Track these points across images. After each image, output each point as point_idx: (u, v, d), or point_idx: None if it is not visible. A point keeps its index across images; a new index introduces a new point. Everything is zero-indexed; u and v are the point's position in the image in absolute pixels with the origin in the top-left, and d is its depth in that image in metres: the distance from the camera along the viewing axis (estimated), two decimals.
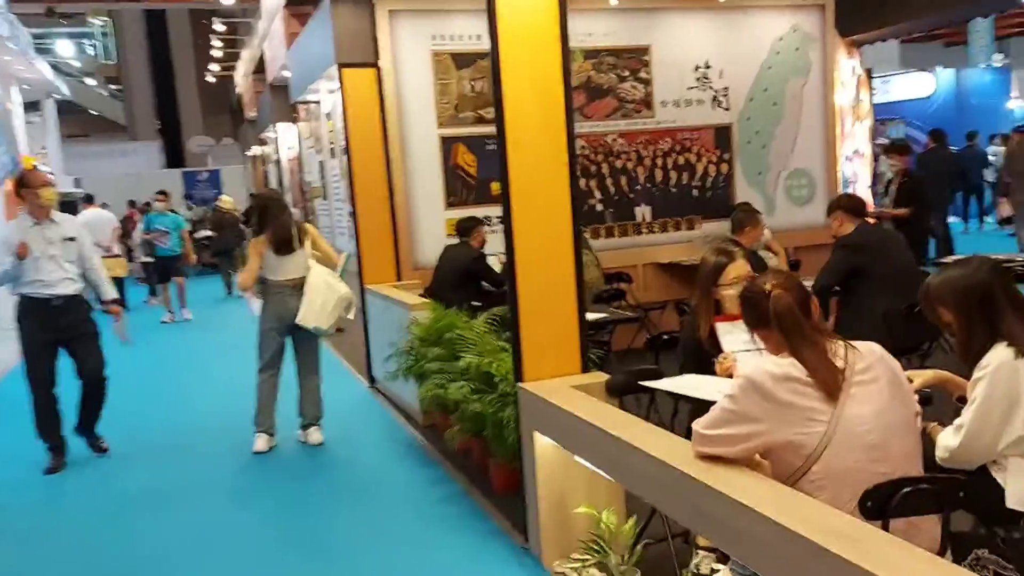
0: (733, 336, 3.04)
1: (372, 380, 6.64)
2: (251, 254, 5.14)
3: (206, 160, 26.94)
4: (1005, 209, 11.42)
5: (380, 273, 6.55)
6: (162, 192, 11.44)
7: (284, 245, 5.03)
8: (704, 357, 3.20)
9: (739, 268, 3.15)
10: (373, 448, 5.22)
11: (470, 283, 6.24)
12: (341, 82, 6.50)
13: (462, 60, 6.71)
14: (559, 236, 3.34)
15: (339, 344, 8.50)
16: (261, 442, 5.20)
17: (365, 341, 6.72)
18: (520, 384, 3.30)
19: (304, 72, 8.53)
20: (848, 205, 4.40)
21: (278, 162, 13.68)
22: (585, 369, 3.39)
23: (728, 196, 7.33)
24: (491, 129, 7.24)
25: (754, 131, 7.39)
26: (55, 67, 24.23)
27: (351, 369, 7.41)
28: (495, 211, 6.89)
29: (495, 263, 6.48)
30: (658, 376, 3.33)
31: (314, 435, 5.32)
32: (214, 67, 20.21)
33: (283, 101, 10.86)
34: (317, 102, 9.21)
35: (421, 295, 6.24)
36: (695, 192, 7.30)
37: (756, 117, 7.37)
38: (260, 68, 13.18)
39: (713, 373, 3.13)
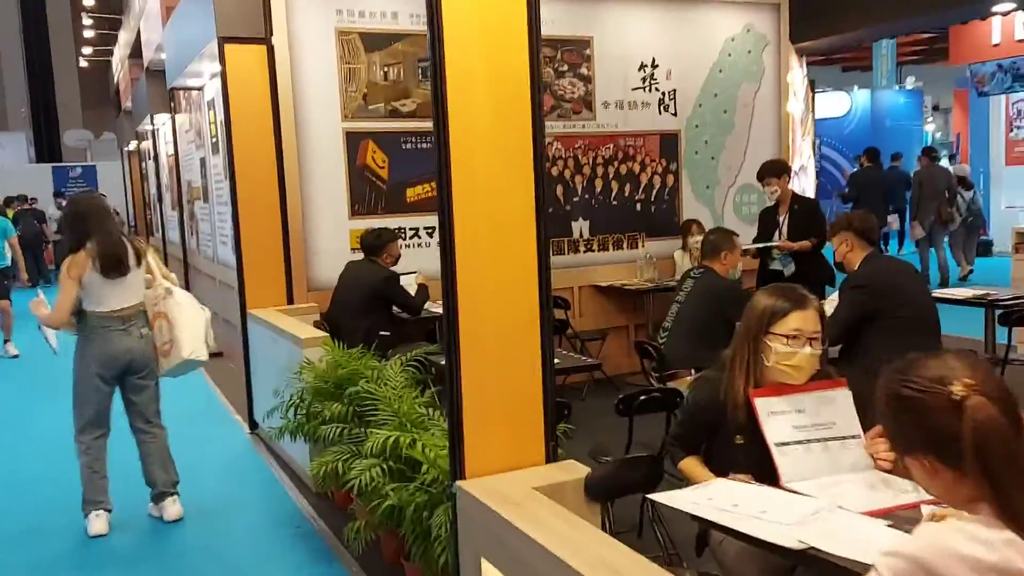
0: (781, 421, 2.09)
1: (253, 425, 5.42)
2: (64, 279, 3.81)
3: (85, 156, 24.70)
4: (917, 231, 11.21)
5: (266, 294, 5.36)
6: None
7: (114, 264, 3.80)
8: (724, 435, 2.25)
9: (806, 320, 2.19)
10: (249, 528, 4.03)
11: (378, 308, 5.16)
12: (222, 61, 5.30)
13: (373, 41, 5.62)
14: (520, 263, 2.31)
15: (216, 374, 7.21)
16: (98, 523, 3.91)
17: (246, 377, 5.50)
18: (459, 484, 2.25)
19: (182, 52, 7.22)
20: (860, 227, 3.54)
21: (156, 158, 12.15)
22: (551, 457, 2.37)
23: (674, 211, 6.49)
24: (406, 125, 6.29)
25: (703, 140, 6.58)
26: None
27: (229, 407, 6.15)
28: (410, 222, 5.84)
29: (410, 284, 5.41)
30: (658, 470, 2.34)
31: (171, 508, 4.08)
32: (87, 50, 18.25)
33: (161, 88, 9.43)
34: (198, 88, 7.89)
35: (317, 323, 5.10)
36: (638, 206, 6.42)
37: (705, 125, 6.56)
38: (138, 52, 11.63)
39: (733, 460, 2.18)
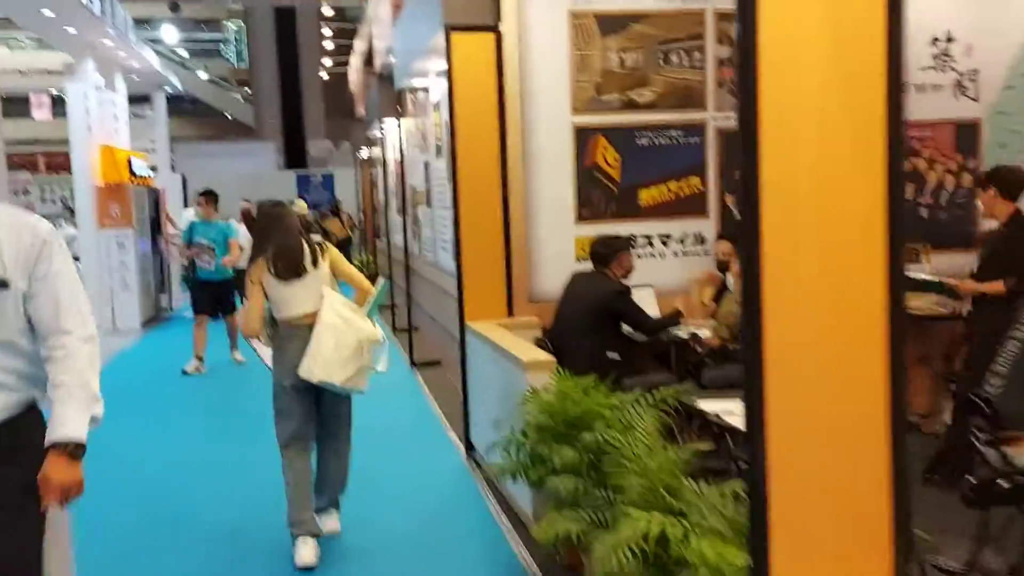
0: None
1: (470, 447, 4.99)
2: (248, 285, 3.74)
3: (326, 164, 26.42)
4: None
5: (486, 305, 4.91)
6: (207, 192, 8.25)
7: (286, 265, 3.66)
8: None
9: None
10: (457, 569, 3.55)
11: (606, 326, 4.51)
12: (448, 52, 4.92)
13: (609, 23, 5.00)
14: (860, 282, 1.55)
15: (432, 382, 6.95)
16: (306, 550, 3.58)
17: (463, 394, 5.09)
18: None
19: (409, 49, 7.04)
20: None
21: (384, 163, 12.36)
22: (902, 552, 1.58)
23: (971, 219, 5.29)
24: (642, 118, 5.61)
25: (1010, 130, 5.31)
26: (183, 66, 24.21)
27: (443, 422, 5.79)
28: (642, 228, 5.16)
29: (643, 300, 4.73)
30: None
31: (330, 522, 3.85)
32: (328, 61, 19.31)
33: (389, 93, 9.47)
34: (425, 89, 7.73)
35: (539, 340, 4.56)
36: (923, 211, 5.29)
37: (1015, 112, 5.29)
38: (370, 58, 11.94)
39: None
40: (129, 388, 7.28)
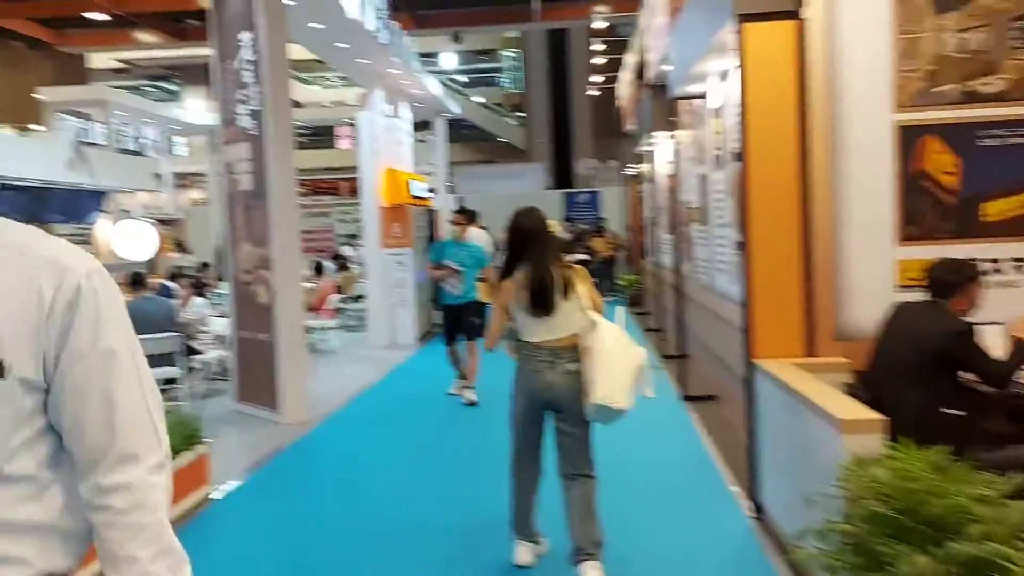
0: None
1: (758, 509, 4.24)
2: (495, 302, 3.77)
3: (593, 183, 26.52)
4: None
5: (779, 341, 4.15)
6: (461, 210, 7.77)
7: (537, 301, 3.51)
8: None
9: None
10: None
11: (942, 374, 3.55)
12: (740, 46, 4.25)
13: None
14: None
15: (709, 421, 6.23)
16: (523, 552, 3.73)
17: (748, 444, 4.35)
18: None
19: (686, 54, 6.44)
20: None
21: (653, 179, 11.81)
22: None
23: None
24: (989, 112, 4.33)
25: None
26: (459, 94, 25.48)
27: (723, 472, 5.07)
28: (987, 250, 4.11)
29: (991, 341, 3.70)
30: None
31: (588, 573, 3.42)
32: (596, 79, 19.21)
33: (661, 103, 8.93)
34: (702, 95, 7.07)
35: (849, 388, 3.73)
36: None
37: None
38: (641, 71, 11.50)
39: None
40: (399, 400, 7.45)
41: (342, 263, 13.60)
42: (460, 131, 35.89)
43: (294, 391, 6.70)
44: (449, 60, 27.44)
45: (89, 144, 11.02)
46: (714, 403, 6.69)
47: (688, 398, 7.01)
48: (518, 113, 34.75)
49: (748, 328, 4.25)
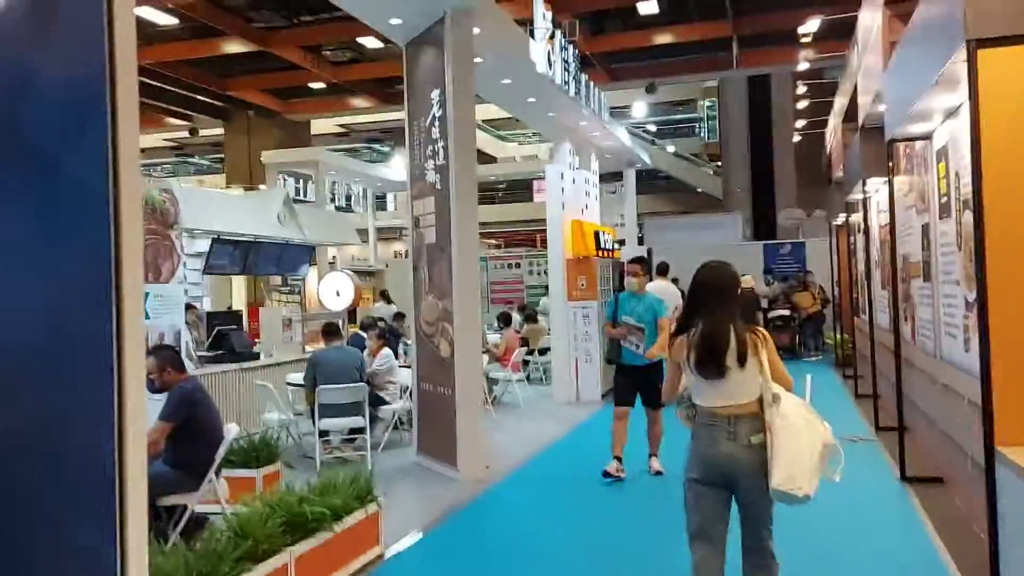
0: None
1: None
2: (668, 361, 3.46)
3: (797, 233, 25.10)
4: None
5: None
6: (636, 259, 6.83)
7: (706, 361, 3.23)
8: None
9: None
10: None
11: None
12: (972, 76, 3.63)
13: None
14: None
15: (935, 509, 5.36)
16: None
17: (989, 545, 3.59)
18: None
19: (905, 88, 5.74)
20: None
21: (866, 231, 10.78)
22: None
23: None
24: None
25: None
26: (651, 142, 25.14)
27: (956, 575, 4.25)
28: None
29: None
30: None
31: None
32: (800, 124, 18.18)
33: (874, 147, 8.10)
34: (923, 137, 6.27)
35: None
36: None
37: None
38: (852, 114, 10.62)
39: None
40: (580, 460, 7.12)
41: (530, 315, 13.58)
42: (655, 182, 35.54)
43: (472, 447, 6.57)
44: (640, 109, 27.21)
45: (300, 201, 11.93)
46: (940, 487, 5.76)
47: (908, 479, 6.11)
48: (716, 164, 33.90)
49: (987, 407, 3.53)
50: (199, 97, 20.78)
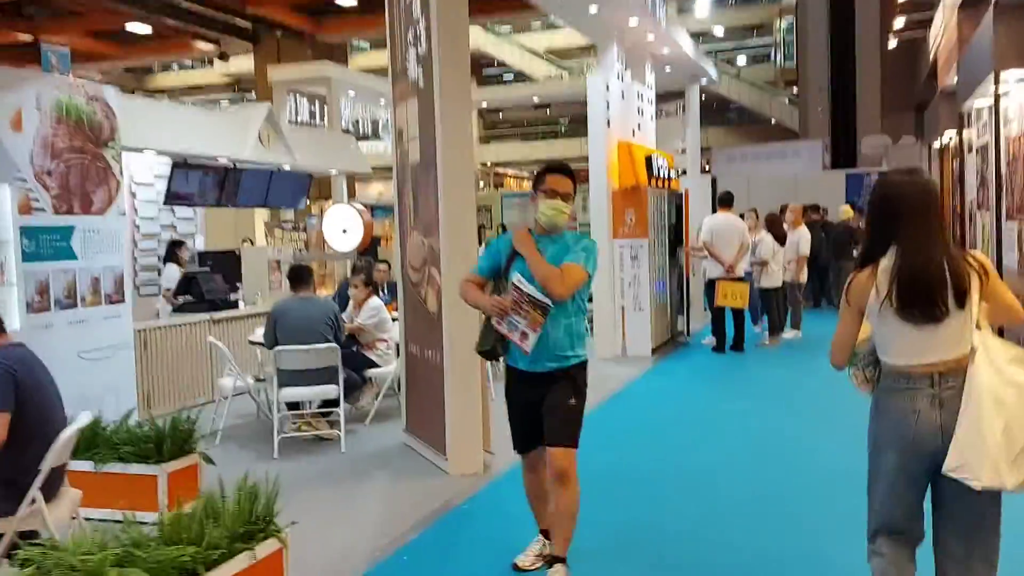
0: None
1: None
2: (842, 304, 2.58)
3: (880, 162, 22.62)
4: None
5: None
6: (558, 168, 3.27)
7: (917, 301, 2.38)
8: None
9: None
10: None
11: None
12: None
13: None
14: None
15: None
16: None
17: None
18: None
19: None
20: None
21: (984, 149, 8.67)
22: None
23: None
24: None
25: None
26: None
27: None
28: None
29: None
30: None
31: None
32: (899, 21, 15.61)
33: (1017, 27, 6.04)
34: None
35: None
36: None
37: None
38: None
39: None
40: (618, 441, 5.49)
41: None
42: (725, 114, 32.88)
43: (465, 432, 4.97)
44: (703, 7, 24.42)
45: (299, 124, 10.41)
46: None
47: None
48: (792, 89, 31.09)
49: None
50: (225, 18, 19.27)
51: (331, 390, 5.65)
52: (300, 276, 5.95)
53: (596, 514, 4.30)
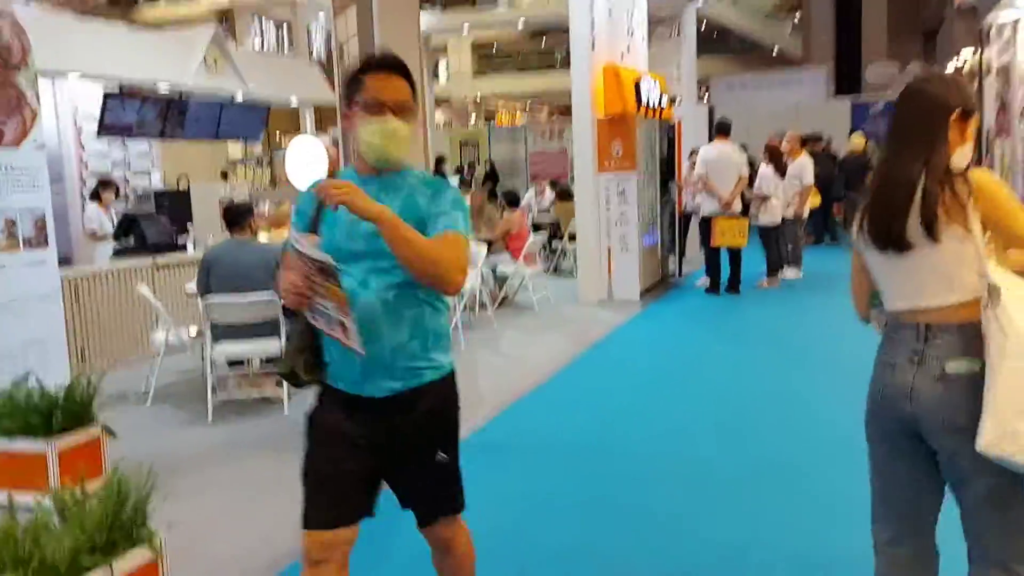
0: None
1: None
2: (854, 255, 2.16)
3: (886, 89, 21.65)
4: None
5: None
6: (390, 64, 2.06)
7: (877, 226, 2.01)
8: None
9: None
10: None
11: None
12: None
13: None
14: None
15: None
16: None
17: None
18: None
19: None
20: None
21: (1006, 69, 7.92)
22: None
23: None
24: None
25: None
26: None
27: None
28: None
29: None
30: None
31: None
32: None
33: None
34: None
35: None
36: None
37: None
38: None
39: None
40: (600, 398, 4.88)
41: (563, 191, 11.09)
42: (724, 43, 31.52)
43: None
44: None
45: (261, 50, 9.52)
46: None
47: None
48: (795, 16, 29.76)
49: None
50: None
51: (271, 345, 5.02)
52: (236, 216, 5.26)
53: (562, 495, 3.70)
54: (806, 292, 8.69)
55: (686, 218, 10.35)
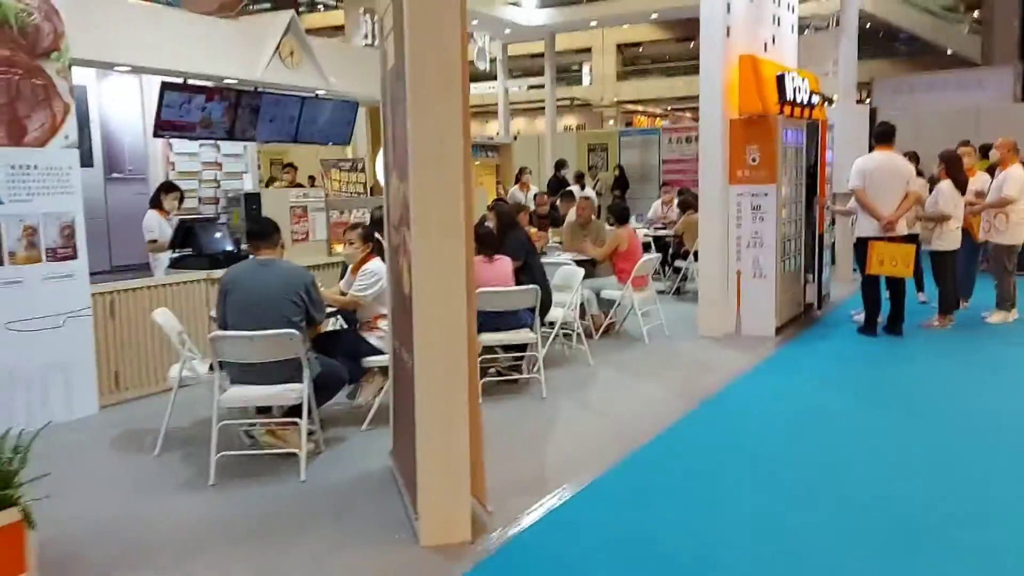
0: None
1: None
2: None
3: None
4: None
5: None
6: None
7: None
8: None
9: None
10: None
11: None
12: None
13: None
14: None
15: None
16: None
17: None
18: None
19: None
20: None
21: None
22: None
23: None
24: None
25: None
26: None
27: None
28: None
29: None
30: None
31: None
32: None
33: None
34: None
35: None
36: None
37: None
38: None
39: None
40: (701, 468, 3.56)
41: (687, 201, 9.72)
42: (892, 45, 28.66)
43: (441, 482, 3.25)
44: None
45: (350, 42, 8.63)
46: None
47: None
48: (973, 13, 26.62)
49: None
50: None
51: (290, 392, 4.08)
52: (261, 232, 4.37)
53: None
54: (990, 338, 6.95)
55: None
